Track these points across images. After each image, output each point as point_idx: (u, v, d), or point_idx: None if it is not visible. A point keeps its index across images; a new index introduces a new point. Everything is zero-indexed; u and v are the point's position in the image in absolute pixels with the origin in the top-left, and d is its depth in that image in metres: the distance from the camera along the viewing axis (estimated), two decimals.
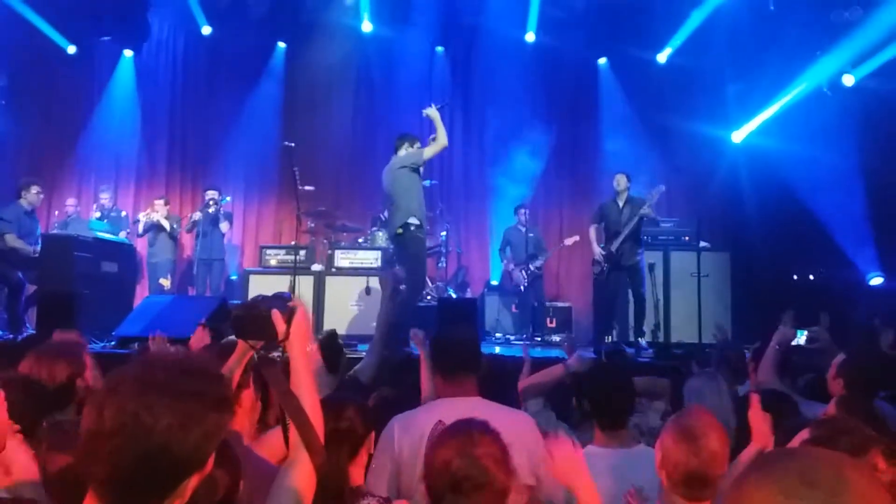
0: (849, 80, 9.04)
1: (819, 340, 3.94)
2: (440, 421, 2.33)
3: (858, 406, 3.06)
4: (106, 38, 9.77)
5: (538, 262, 8.95)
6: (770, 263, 8.84)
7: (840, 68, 8.98)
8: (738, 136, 9.85)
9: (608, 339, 7.74)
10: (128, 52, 10.06)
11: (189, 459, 1.14)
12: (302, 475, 1.49)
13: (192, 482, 1.17)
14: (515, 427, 2.34)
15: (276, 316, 1.62)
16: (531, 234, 9.04)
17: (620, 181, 7.66)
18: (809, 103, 9.22)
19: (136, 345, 5.60)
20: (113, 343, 6.11)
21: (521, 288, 8.92)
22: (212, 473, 1.49)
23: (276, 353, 1.72)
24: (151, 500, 1.13)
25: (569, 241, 8.83)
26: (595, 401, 2.77)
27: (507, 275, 9.23)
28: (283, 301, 1.67)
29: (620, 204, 7.62)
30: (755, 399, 2.32)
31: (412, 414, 2.61)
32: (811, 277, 8.41)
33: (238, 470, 1.63)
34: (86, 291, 6.47)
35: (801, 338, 3.84)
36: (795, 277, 8.57)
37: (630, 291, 7.59)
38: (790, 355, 3.87)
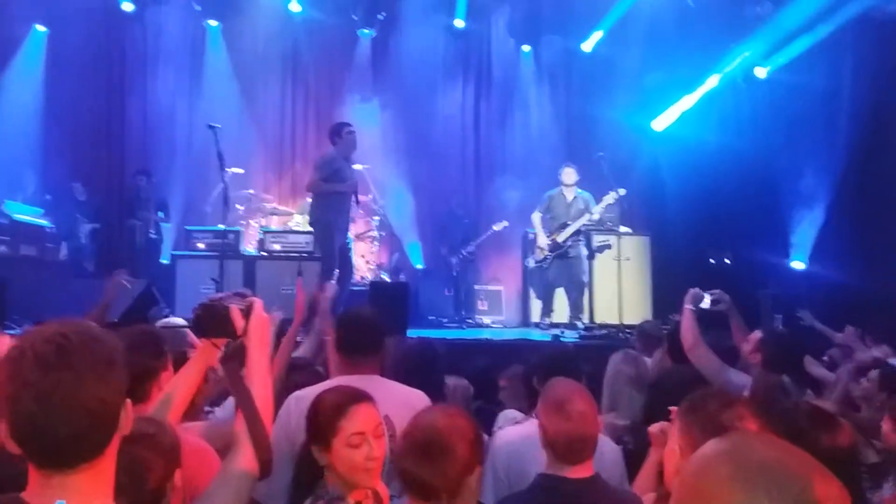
0: (761, 73, 9.55)
1: (722, 302, 4.15)
2: None
3: (774, 379, 3.35)
4: None
5: (470, 248, 9.09)
6: (688, 247, 9.26)
7: (753, 61, 9.46)
8: (658, 124, 10.22)
9: (547, 321, 7.98)
10: (40, 27, 9.47)
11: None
12: (243, 469, 1.50)
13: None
14: (410, 402, 2.46)
15: (235, 312, 1.67)
16: (466, 220, 9.19)
17: (570, 174, 7.71)
18: (725, 94, 9.67)
19: None
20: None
21: (454, 272, 9.06)
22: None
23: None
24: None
25: (497, 227, 8.98)
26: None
27: (442, 259, 9.35)
28: (240, 297, 1.72)
29: (569, 197, 7.73)
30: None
31: (310, 389, 2.59)
32: (726, 261, 8.85)
33: (175, 455, 1.62)
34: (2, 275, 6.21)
35: (706, 300, 4.09)
36: (712, 261, 9.00)
37: (570, 278, 7.74)
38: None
